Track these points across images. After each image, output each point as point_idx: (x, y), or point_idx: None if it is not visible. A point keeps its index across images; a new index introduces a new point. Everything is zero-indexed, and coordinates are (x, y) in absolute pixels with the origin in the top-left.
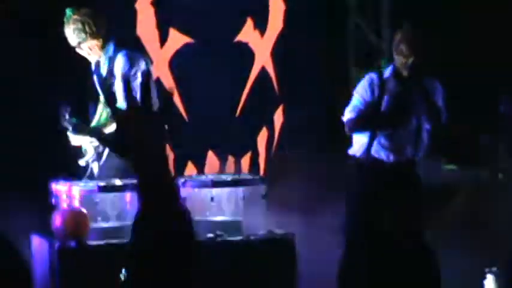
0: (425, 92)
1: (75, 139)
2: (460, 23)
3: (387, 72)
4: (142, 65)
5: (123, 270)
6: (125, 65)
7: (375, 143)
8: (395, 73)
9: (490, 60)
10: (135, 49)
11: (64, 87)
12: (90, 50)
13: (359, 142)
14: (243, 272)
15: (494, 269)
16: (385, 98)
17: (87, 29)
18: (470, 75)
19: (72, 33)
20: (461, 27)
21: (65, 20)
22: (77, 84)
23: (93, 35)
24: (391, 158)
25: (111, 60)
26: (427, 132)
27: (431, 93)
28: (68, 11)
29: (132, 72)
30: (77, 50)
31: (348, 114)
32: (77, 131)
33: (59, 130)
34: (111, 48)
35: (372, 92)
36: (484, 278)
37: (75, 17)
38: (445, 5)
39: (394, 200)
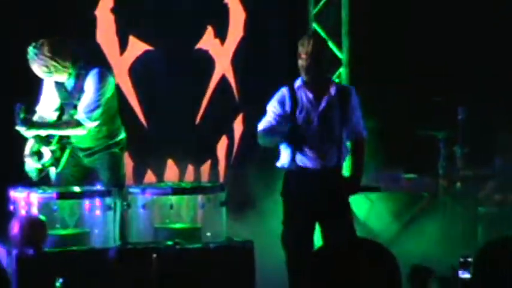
0: (337, 101)
1: (27, 134)
2: (418, 31)
3: (298, 82)
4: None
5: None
6: (97, 82)
7: (298, 152)
8: (304, 82)
9: (447, 69)
10: (103, 66)
11: (21, 91)
12: (58, 78)
13: (285, 153)
14: (201, 279)
15: (469, 259)
16: (298, 108)
17: (52, 68)
18: (428, 84)
19: (38, 71)
20: (420, 34)
21: (29, 58)
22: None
23: (59, 70)
24: (316, 164)
25: (81, 76)
26: (348, 137)
27: (345, 102)
28: (31, 52)
29: (103, 90)
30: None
31: (259, 127)
32: (25, 125)
33: (16, 135)
34: (80, 64)
35: (283, 106)
36: (459, 266)
37: (39, 60)
38: (403, 14)
39: (321, 207)
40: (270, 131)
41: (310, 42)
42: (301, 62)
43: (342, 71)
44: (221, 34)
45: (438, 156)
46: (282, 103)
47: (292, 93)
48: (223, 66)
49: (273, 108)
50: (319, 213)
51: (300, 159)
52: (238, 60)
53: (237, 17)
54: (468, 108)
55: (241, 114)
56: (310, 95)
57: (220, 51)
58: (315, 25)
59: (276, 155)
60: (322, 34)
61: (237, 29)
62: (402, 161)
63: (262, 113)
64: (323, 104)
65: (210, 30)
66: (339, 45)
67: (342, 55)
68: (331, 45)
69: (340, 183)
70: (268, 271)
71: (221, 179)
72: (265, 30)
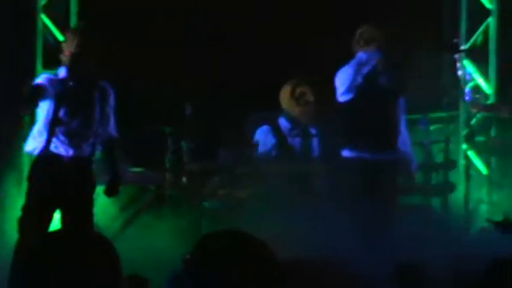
0: (99, 97)
1: None
2: (143, 24)
3: (62, 72)
4: None
5: None
6: None
7: (54, 139)
8: (69, 71)
9: (175, 65)
10: None
11: None
12: None
13: (37, 139)
14: None
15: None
16: (61, 97)
17: None
18: (157, 77)
19: None
20: (146, 36)
21: None
22: None
23: None
24: (71, 153)
25: None
26: (100, 135)
27: (106, 100)
28: None
29: None
30: None
31: None
32: None
33: None
34: None
35: (51, 83)
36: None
37: None
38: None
39: (67, 195)
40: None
41: (75, 41)
42: (64, 59)
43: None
44: None
45: (166, 150)
46: (50, 81)
47: (56, 81)
48: None
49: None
50: (63, 201)
51: (55, 146)
52: None
53: None
54: (195, 104)
55: None
56: (74, 88)
57: None
58: (43, 17)
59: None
60: (51, 26)
61: None
62: (129, 155)
63: None
64: (86, 98)
65: None
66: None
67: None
68: (59, 37)
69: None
70: None
71: None
72: None
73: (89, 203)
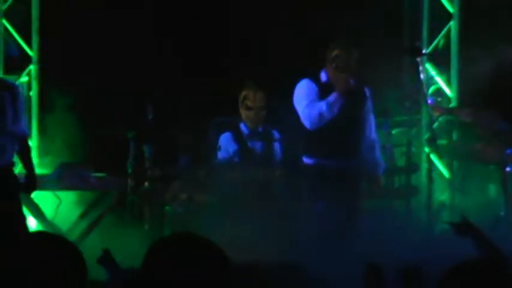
0: (8, 98)
1: None
2: (109, 35)
3: None
4: None
5: None
6: None
7: None
8: None
9: (137, 71)
10: None
11: None
12: None
13: None
14: None
15: None
16: None
17: None
18: (119, 82)
19: None
20: (108, 39)
21: None
22: None
23: None
24: None
25: None
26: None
27: (15, 99)
28: None
29: None
30: None
31: None
32: None
33: None
34: None
35: None
36: None
37: None
38: (94, 11)
39: None
40: None
41: None
42: None
43: (32, 68)
44: None
45: (128, 155)
46: None
47: None
48: None
49: None
50: None
51: None
52: None
53: None
54: (156, 108)
55: None
56: None
57: None
58: (4, 21)
59: None
60: (12, 31)
61: None
62: (91, 160)
63: None
64: None
65: None
66: (29, 43)
67: (32, 53)
68: (21, 42)
69: (15, 183)
70: None
71: None
72: None
73: (18, 209)
